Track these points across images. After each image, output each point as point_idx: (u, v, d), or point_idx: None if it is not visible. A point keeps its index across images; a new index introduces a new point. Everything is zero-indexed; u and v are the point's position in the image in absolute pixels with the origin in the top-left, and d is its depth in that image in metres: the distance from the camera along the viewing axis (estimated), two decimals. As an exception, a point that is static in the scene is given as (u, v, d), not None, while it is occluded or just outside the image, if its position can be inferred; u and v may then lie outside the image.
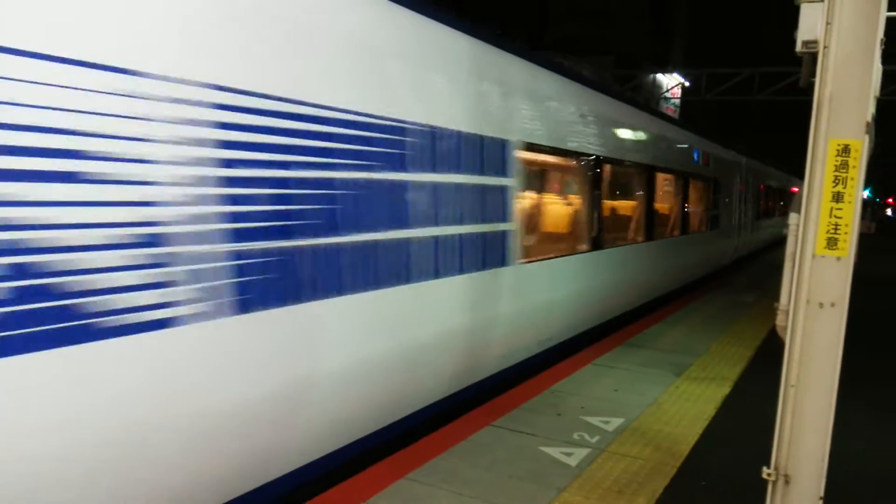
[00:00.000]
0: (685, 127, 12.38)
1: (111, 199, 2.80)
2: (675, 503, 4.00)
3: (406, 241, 4.50)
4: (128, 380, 2.92)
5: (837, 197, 2.94)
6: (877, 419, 5.75)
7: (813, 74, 2.99)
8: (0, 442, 2.56)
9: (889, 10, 3.05)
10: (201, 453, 3.34)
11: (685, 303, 11.02)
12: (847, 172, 2.92)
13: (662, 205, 10.80)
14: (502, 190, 5.65)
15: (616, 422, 5.28)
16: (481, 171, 5.35)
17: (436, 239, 4.81)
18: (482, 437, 4.83)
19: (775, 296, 3.25)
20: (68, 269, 2.66)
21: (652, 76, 34.31)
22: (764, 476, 3.18)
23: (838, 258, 2.94)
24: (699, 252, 13.31)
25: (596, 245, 7.69)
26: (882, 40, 2.95)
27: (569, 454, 4.60)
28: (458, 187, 5.06)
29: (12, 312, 2.51)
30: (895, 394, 6.43)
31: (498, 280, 5.67)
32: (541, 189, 7.40)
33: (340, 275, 3.96)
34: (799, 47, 3.01)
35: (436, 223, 4.81)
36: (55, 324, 2.63)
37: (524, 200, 6.18)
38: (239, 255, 3.32)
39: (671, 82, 33.21)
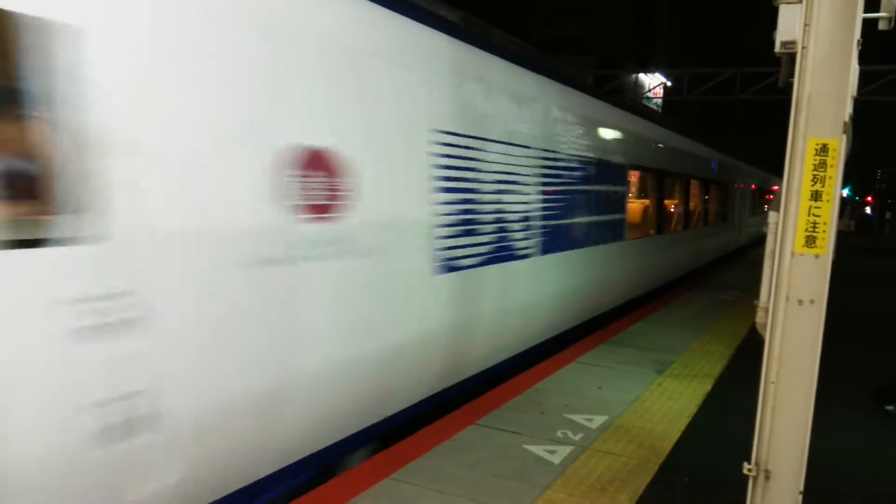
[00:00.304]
0: (708, 144, 16.10)
1: (519, 202, 6.40)
2: (657, 500, 4.03)
3: (589, 223, 8.10)
4: (524, 276, 6.57)
5: (816, 196, 2.97)
6: (856, 414, 5.83)
7: (791, 75, 3.03)
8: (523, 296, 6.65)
9: (866, 11, 3.10)
10: (539, 313, 7.14)
11: (666, 301, 11.10)
12: (825, 171, 2.95)
13: (696, 204, 14.79)
14: (622, 194, 9.27)
15: (599, 419, 5.31)
16: (615, 184, 8.92)
17: (598, 222, 8.39)
18: (466, 436, 4.84)
19: (755, 294, 3.28)
20: (510, 231, 6.20)
21: (634, 76, 34.52)
22: (745, 472, 3.21)
23: (817, 256, 2.98)
24: (717, 239, 17.36)
25: (660, 231, 11.59)
26: (859, 41, 2.99)
27: (552, 452, 4.63)
28: (607, 192, 8.65)
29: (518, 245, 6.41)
30: (874, 389, 6.51)
31: (619, 250, 9.31)
32: (634, 193, 11.13)
33: (575, 239, 7.70)
34: (778, 48, 3.04)
35: (601, 214, 8.46)
36: (516, 250, 6.35)
37: (628, 200, 9.73)
38: (545, 226, 6.88)
39: (653, 82, 33.39)
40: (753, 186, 23.49)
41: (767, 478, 3.16)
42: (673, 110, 41.13)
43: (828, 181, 2.95)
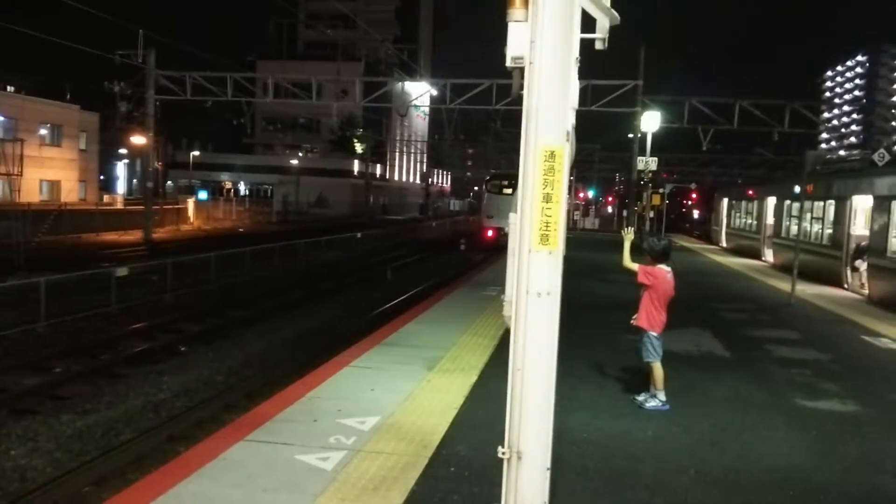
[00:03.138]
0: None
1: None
2: (426, 492, 4.18)
3: None
4: None
5: (547, 198, 3.28)
6: (598, 391, 6.53)
7: (522, 87, 3.31)
8: None
9: (584, 32, 3.48)
10: None
11: (436, 300, 11.59)
12: (553, 175, 3.27)
13: None
14: None
15: (372, 421, 5.39)
16: None
17: None
18: (234, 454, 4.64)
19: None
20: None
21: (401, 84, 35.65)
22: (500, 455, 3.45)
23: (550, 252, 3.29)
24: None
25: None
26: (577, 58, 3.35)
27: (325, 459, 4.60)
28: None
29: None
30: (614, 366, 7.34)
31: None
32: None
33: None
34: (509, 62, 3.32)
35: None
36: None
37: None
38: None
39: (420, 90, 34.74)
40: None
41: (520, 458, 3.42)
42: (442, 117, 42.97)
43: (556, 184, 3.27)
